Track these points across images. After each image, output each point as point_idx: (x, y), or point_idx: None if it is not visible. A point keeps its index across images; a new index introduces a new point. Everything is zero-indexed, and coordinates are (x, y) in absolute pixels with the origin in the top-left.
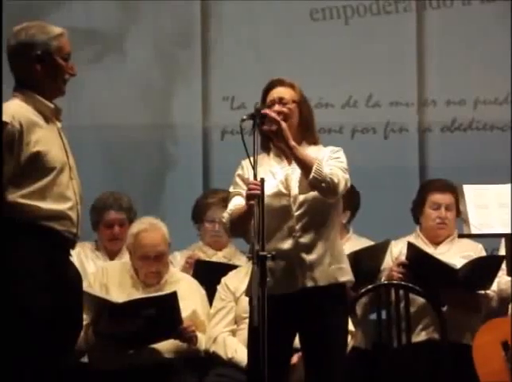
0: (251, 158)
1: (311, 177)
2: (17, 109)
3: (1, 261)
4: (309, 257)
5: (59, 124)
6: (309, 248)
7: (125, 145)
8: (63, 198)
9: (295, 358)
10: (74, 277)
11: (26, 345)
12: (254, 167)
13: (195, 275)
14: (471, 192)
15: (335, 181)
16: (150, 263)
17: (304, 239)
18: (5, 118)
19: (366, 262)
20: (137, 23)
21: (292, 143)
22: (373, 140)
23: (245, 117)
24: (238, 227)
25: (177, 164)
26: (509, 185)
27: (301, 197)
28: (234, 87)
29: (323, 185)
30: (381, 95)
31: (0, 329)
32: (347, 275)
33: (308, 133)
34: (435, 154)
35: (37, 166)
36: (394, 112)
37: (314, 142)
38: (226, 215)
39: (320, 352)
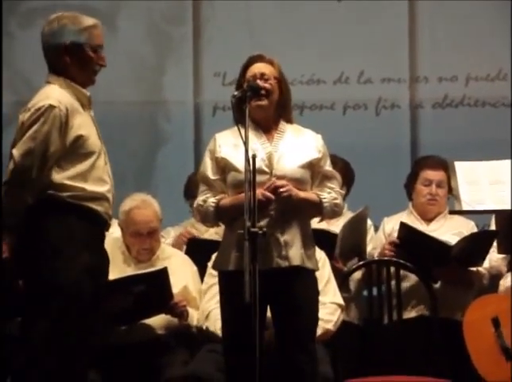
0: (242, 134)
1: (325, 217)
2: (61, 94)
3: (49, 239)
4: (283, 237)
5: (91, 112)
6: (284, 228)
7: (117, 121)
8: (101, 181)
9: None
10: (107, 258)
11: (68, 326)
12: (246, 143)
13: (188, 252)
14: (462, 168)
15: (339, 202)
16: (143, 240)
17: (281, 219)
18: (52, 102)
19: (350, 234)
20: (129, 0)
21: (298, 195)
22: (364, 116)
23: (236, 93)
24: (226, 216)
25: (169, 140)
26: (501, 161)
27: (282, 177)
28: (226, 63)
29: (336, 214)
30: (372, 71)
31: (41, 307)
32: (313, 263)
33: (285, 111)
34: (426, 131)
35: (80, 150)
36: (386, 89)
37: (289, 120)
38: (210, 201)
39: (289, 326)
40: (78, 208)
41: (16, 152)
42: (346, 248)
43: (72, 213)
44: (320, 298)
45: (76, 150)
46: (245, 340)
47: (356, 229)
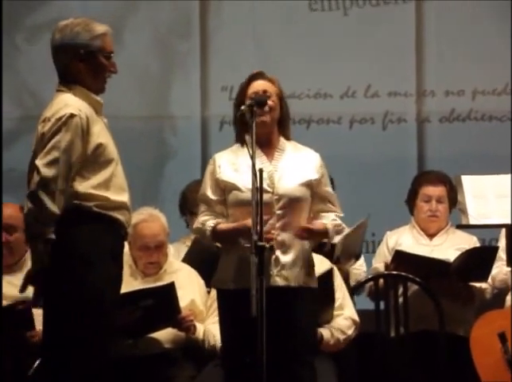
0: (250, 150)
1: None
2: (79, 102)
3: (79, 250)
4: (285, 258)
5: (104, 119)
6: (286, 248)
7: (123, 135)
8: (121, 190)
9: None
10: (122, 268)
11: (92, 335)
12: (253, 157)
13: (196, 258)
14: (469, 182)
15: (342, 228)
16: (150, 254)
17: (282, 239)
18: (72, 110)
19: (350, 242)
20: (136, 13)
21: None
22: (371, 130)
23: (243, 108)
24: (222, 241)
25: (176, 154)
26: (507, 175)
27: (284, 196)
28: (233, 78)
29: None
30: (379, 85)
31: (66, 314)
32: (314, 281)
33: (285, 128)
34: (433, 145)
35: (100, 158)
36: (393, 103)
37: (288, 136)
38: (208, 225)
39: (289, 340)
40: (104, 217)
41: (40, 163)
42: (345, 255)
43: (100, 223)
44: (339, 311)
45: (97, 159)
46: (244, 355)
47: (357, 237)
